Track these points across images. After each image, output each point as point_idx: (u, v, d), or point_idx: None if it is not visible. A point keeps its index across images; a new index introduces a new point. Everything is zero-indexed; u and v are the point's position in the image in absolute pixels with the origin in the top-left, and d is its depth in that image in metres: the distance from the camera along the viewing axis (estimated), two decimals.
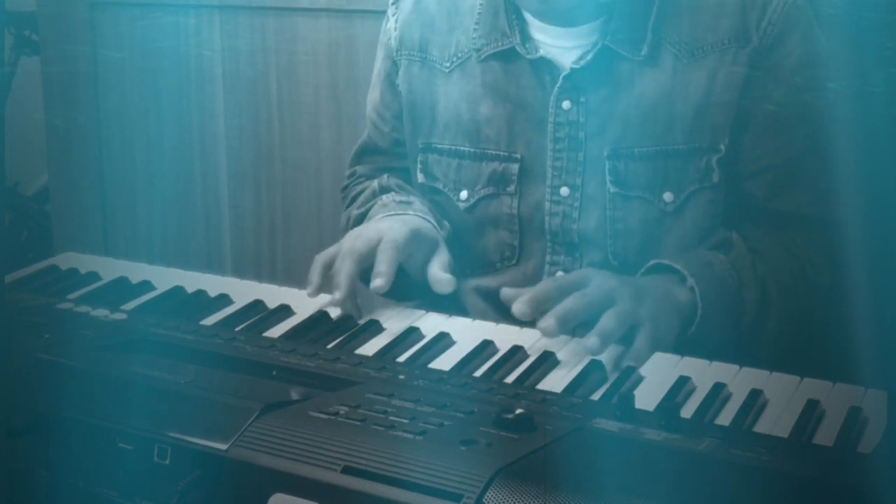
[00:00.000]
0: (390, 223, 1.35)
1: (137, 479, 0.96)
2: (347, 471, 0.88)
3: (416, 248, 1.34)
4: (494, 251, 1.46)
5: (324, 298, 1.30)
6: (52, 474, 0.99)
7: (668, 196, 1.38)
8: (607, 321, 1.17)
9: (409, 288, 1.37)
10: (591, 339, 1.15)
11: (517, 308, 1.19)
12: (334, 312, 1.27)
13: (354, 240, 1.32)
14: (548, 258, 1.43)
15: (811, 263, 1.36)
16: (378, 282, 1.26)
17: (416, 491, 0.85)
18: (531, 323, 1.37)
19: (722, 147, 1.37)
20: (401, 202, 1.44)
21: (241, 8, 2.46)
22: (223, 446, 0.93)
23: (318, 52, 2.40)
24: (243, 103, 2.51)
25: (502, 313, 1.43)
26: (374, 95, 1.58)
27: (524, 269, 1.45)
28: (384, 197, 1.47)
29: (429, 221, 1.41)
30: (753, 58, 1.36)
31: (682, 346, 1.23)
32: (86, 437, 0.98)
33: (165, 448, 0.94)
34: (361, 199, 1.52)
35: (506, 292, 1.26)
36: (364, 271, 1.30)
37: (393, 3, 1.55)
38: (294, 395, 1.02)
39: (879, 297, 1.26)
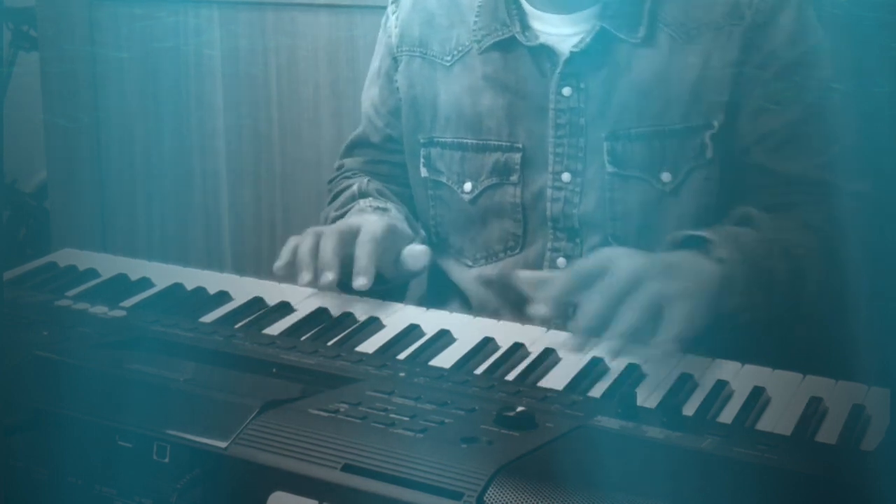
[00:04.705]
0: (368, 216, 1.39)
1: (136, 477, 0.95)
2: (347, 469, 0.88)
3: (391, 244, 1.36)
4: (498, 241, 1.47)
5: (323, 296, 1.30)
6: (51, 472, 0.99)
7: (665, 176, 1.39)
8: (627, 315, 1.11)
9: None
10: (612, 342, 1.10)
11: (536, 310, 1.15)
12: (334, 310, 1.27)
13: (335, 225, 1.34)
14: (549, 244, 1.44)
15: (828, 236, 1.33)
16: (360, 280, 1.27)
17: (417, 489, 0.85)
18: (508, 313, 1.38)
19: (715, 123, 1.38)
20: (377, 208, 1.47)
21: (241, 4, 2.46)
22: (223, 444, 0.92)
23: (318, 49, 2.39)
24: (243, 100, 2.50)
25: (505, 301, 1.44)
26: (371, 92, 1.60)
27: (526, 255, 1.45)
28: (362, 202, 1.49)
29: (404, 224, 1.44)
30: (747, 35, 1.38)
31: (717, 328, 1.17)
32: (84, 434, 0.97)
33: (165, 446, 0.94)
34: (341, 200, 1.54)
35: (522, 275, 1.25)
36: (343, 261, 1.30)
37: (393, 2, 1.57)
38: (294, 393, 1.02)
39: (882, 294, 1.25)
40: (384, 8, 1.59)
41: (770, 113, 1.38)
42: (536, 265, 1.44)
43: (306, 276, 1.27)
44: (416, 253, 1.39)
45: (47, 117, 2.67)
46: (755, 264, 1.25)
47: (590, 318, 1.12)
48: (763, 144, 1.39)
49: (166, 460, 0.94)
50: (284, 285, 1.33)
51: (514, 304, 1.43)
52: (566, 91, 1.41)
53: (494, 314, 1.36)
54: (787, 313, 1.28)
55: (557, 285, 1.17)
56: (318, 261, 1.27)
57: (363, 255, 1.29)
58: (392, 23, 1.56)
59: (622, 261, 1.17)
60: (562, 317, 1.25)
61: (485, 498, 0.83)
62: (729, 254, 1.23)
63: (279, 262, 1.30)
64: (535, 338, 1.20)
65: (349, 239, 1.31)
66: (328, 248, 1.28)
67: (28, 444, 0.99)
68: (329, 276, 1.25)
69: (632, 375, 1.11)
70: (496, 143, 1.45)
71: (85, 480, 0.97)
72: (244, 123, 2.51)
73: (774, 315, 1.27)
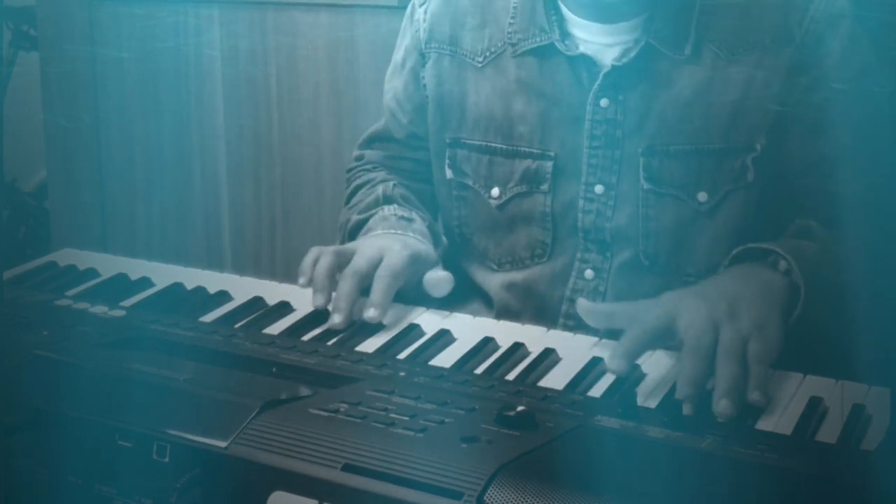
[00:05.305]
0: (391, 242, 1.34)
1: (136, 477, 0.95)
2: (348, 468, 0.88)
3: (412, 274, 1.33)
4: (525, 248, 1.45)
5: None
6: (51, 471, 0.99)
7: (702, 196, 1.37)
8: (726, 371, 1.06)
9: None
10: (722, 403, 1.04)
11: (613, 365, 1.11)
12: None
13: (356, 257, 1.31)
14: (578, 255, 1.42)
15: (879, 250, 1.31)
16: (371, 312, 1.23)
17: (417, 489, 0.85)
18: (530, 319, 1.38)
19: (758, 146, 1.36)
20: (401, 218, 1.43)
21: (241, 4, 2.46)
22: (223, 444, 0.92)
23: (318, 49, 2.39)
24: (243, 100, 2.51)
25: (528, 307, 1.44)
26: (395, 84, 1.56)
27: (553, 265, 1.43)
28: (386, 208, 1.46)
29: (427, 242, 1.41)
30: (796, 56, 1.35)
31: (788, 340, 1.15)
32: (84, 434, 0.97)
33: (165, 445, 0.94)
34: (364, 203, 1.50)
35: (583, 304, 1.23)
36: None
37: None
38: (294, 393, 1.02)
39: (882, 294, 1.25)
40: (384, 8, 1.57)
41: (822, 136, 1.35)
42: (564, 274, 1.42)
43: (320, 299, 1.25)
44: (438, 281, 1.34)
45: (47, 117, 2.68)
46: (819, 275, 1.23)
47: (686, 386, 1.06)
48: (816, 168, 1.36)
49: (166, 460, 0.94)
50: (284, 285, 1.33)
51: (536, 310, 1.43)
52: (604, 102, 1.37)
53: (516, 318, 1.35)
54: (844, 324, 1.26)
55: (631, 342, 1.12)
56: (333, 299, 1.25)
57: (379, 289, 1.26)
58: (420, 16, 1.51)
59: (688, 314, 1.12)
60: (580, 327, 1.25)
61: (485, 498, 0.83)
62: (793, 265, 1.21)
63: (302, 280, 1.28)
64: (536, 338, 1.20)
65: (368, 273, 1.28)
66: (344, 289, 1.25)
67: (28, 444, 0.99)
68: (337, 320, 1.22)
69: (632, 375, 1.12)
70: (527, 149, 1.42)
71: (85, 480, 0.97)
72: (244, 123, 2.51)
73: (833, 325, 1.24)
